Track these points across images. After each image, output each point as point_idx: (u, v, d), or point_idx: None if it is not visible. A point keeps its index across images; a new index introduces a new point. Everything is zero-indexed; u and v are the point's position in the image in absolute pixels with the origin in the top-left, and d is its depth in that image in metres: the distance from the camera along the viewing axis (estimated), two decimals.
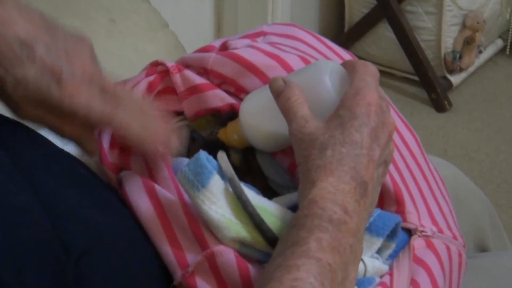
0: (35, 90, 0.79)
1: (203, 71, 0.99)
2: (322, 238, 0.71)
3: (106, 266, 0.77)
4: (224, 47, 1.02)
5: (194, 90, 0.98)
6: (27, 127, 0.86)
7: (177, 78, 0.98)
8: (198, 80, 0.98)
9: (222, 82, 0.98)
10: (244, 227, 0.79)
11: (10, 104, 0.81)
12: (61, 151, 0.87)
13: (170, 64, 0.99)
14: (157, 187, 0.86)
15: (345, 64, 0.86)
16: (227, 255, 0.80)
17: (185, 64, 1.01)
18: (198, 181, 0.79)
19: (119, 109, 0.83)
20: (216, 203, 0.79)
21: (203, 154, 0.80)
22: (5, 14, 0.78)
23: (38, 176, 0.78)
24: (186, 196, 0.84)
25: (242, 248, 0.80)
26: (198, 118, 1.00)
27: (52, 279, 0.69)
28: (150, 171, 0.89)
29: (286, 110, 0.82)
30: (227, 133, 0.94)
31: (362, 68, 0.83)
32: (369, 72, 0.82)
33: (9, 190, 0.70)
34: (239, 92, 0.97)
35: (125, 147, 0.91)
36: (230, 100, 0.96)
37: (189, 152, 0.98)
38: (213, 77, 0.98)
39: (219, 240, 0.80)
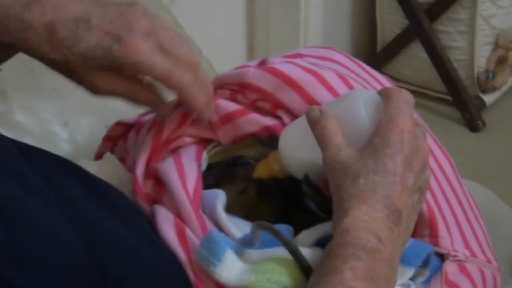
0: (101, 55, 0.84)
1: (240, 88, 0.99)
2: (357, 267, 0.71)
3: None
4: (262, 64, 1.03)
5: (227, 118, 0.98)
6: (65, 159, 0.88)
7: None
8: (231, 107, 0.98)
9: (259, 97, 0.98)
10: (268, 279, 0.80)
11: (85, 83, 0.89)
12: (98, 179, 0.89)
13: None
14: (187, 230, 0.87)
15: (380, 92, 0.86)
16: None
17: (222, 82, 1.01)
18: (214, 257, 0.81)
19: (177, 66, 0.87)
20: (233, 273, 0.81)
21: (214, 232, 0.83)
22: (56, 2, 0.83)
23: (75, 204, 0.79)
24: None
25: None
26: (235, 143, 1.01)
27: None
28: (179, 212, 0.90)
29: (321, 139, 0.82)
30: (268, 163, 0.94)
31: (396, 95, 0.83)
32: (403, 99, 0.82)
33: (44, 216, 0.71)
34: (275, 108, 0.97)
35: (159, 179, 0.92)
36: (265, 122, 0.97)
37: (235, 176, 0.99)
38: (251, 92, 0.98)
39: None
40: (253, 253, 0.84)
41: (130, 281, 0.77)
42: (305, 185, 0.94)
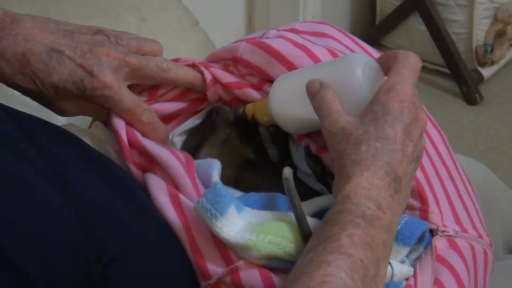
0: (72, 87, 0.88)
1: (232, 62, 1.00)
2: (355, 234, 0.72)
3: (138, 272, 0.78)
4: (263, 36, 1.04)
5: (222, 85, 1.00)
6: (57, 126, 0.89)
7: (206, 72, 1.00)
8: (227, 78, 1.00)
9: (249, 72, 0.99)
10: (269, 241, 0.80)
11: (54, 108, 0.93)
12: (95, 151, 0.89)
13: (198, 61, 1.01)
14: (181, 196, 0.87)
15: (387, 54, 0.86)
16: (250, 269, 0.81)
17: (216, 58, 1.02)
18: (217, 210, 0.80)
19: (140, 104, 0.93)
20: (234, 230, 0.80)
21: (219, 184, 0.82)
22: (27, 32, 0.87)
23: (70, 175, 0.79)
24: None
25: (269, 262, 0.81)
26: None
27: (79, 279, 0.70)
28: (173, 179, 0.90)
29: (320, 108, 0.83)
30: (257, 114, 0.96)
31: (402, 60, 0.84)
32: (408, 66, 0.83)
33: (39, 187, 0.71)
34: (262, 83, 0.98)
35: (143, 150, 0.93)
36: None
37: (215, 126, 1.00)
38: (242, 66, 0.99)
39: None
40: (253, 213, 0.84)
41: (126, 258, 0.77)
42: (305, 156, 0.95)
